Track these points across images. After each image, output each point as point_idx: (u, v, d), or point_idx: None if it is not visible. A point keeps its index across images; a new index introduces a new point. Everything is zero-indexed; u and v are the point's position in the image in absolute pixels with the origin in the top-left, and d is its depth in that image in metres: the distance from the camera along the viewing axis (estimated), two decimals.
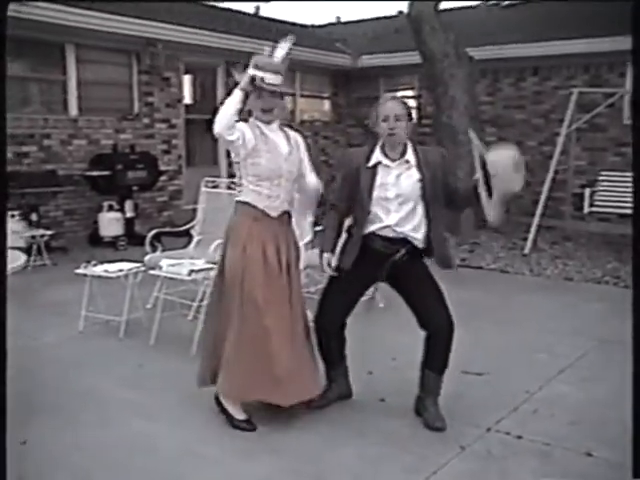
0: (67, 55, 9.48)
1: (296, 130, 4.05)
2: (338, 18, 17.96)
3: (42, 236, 8.10)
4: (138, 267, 5.56)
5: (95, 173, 9.32)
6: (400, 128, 3.69)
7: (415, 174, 3.74)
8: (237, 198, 3.87)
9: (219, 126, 3.51)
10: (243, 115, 3.72)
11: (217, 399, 3.94)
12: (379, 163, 3.76)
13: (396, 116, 3.68)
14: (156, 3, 10.56)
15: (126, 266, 5.52)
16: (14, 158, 8.65)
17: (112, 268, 5.47)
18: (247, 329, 3.68)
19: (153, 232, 6.53)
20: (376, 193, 3.74)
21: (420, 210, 3.77)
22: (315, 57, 12.45)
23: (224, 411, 3.87)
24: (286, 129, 3.94)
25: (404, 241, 3.78)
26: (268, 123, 3.77)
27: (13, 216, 8.04)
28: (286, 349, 3.69)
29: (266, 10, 15.94)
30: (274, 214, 3.77)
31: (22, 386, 4.09)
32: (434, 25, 9.64)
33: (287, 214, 3.87)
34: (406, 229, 3.77)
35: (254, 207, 3.74)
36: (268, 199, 3.74)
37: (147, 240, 6.34)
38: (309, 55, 12.17)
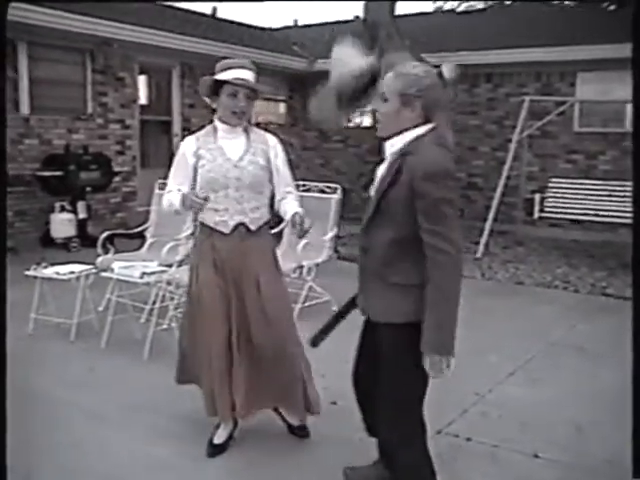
0: (19, 53, 9.30)
1: (274, 134, 3.68)
2: (295, 21, 18.01)
3: None
4: (90, 269, 5.50)
5: (47, 173, 9.16)
6: None
7: None
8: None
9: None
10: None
11: None
12: None
13: None
14: (111, 2, 10.46)
15: (77, 268, 5.46)
16: None
17: (63, 270, 5.40)
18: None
19: (106, 234, 6.46)
20: None
21: None
22: (271, 60, 12.44)
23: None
24: (256, 131, 3.57)
25: None
26: (234, 126, 3.45)
27: None
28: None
29: (223, 12, 15.86)
30: (225, 230, 3.41)
31: None
32: (390, 31, 9.72)
33: (257, 226, 3.48)
34: None
35: (205, 225, 3.47)
36: (215, 213, 3.39)
37: (100, 242, 6.27)
38: (265, 58, 12.15)
